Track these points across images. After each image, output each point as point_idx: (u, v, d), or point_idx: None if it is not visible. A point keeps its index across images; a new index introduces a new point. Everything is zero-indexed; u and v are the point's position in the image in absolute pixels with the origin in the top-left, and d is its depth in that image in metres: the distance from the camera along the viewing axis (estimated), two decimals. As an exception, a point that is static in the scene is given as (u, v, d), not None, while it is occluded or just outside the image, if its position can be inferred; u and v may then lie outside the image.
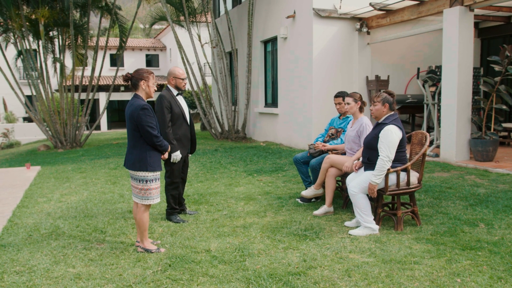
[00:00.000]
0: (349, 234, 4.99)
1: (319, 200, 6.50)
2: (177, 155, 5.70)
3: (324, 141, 6.71)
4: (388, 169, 4.93)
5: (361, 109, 6.00)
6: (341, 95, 6.46)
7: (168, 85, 5.89)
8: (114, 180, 8.78)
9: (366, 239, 4.78)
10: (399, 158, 5.08)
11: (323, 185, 6.23)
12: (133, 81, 4.60)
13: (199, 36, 16.96)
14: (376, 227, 5.03)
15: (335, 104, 6.52)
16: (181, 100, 5.89)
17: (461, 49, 8.79)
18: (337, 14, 11.49)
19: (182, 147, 5.82)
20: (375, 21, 11.32)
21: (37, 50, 17.22)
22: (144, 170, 4.54)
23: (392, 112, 5.13)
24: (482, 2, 8.53)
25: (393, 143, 4.90)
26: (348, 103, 5.96)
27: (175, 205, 5.92)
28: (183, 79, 5.82)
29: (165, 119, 5.62)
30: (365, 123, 5.85)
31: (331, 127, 6.79)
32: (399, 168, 5.00)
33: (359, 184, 5.07)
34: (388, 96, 5.12)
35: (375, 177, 4.93)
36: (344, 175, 6.02)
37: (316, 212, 5.84)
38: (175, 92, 5.84)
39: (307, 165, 6.66)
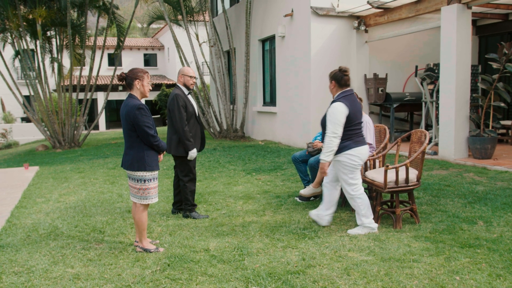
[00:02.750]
0: (348, 233, 4.99)
1: (318, 198, 6.50)
2: (194, 152, 5.81)
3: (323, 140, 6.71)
4: (387, 166, 4.94)
5: None
6: None
7: (178, 84, 5.95)
8: (113, 180, 8.78)
9: (365, 238, 4.78)
10: (351, 135, 4.92)
11: (321, 184, 6.22)
12: (127, 80, 4.57)
13: (197, 35, 16.94)
14: (375, 225, 5.02)
15: None
16: (191, 99, 5.95)
17: (459, 46, 8.79)
18: (334, 12, 11.49)
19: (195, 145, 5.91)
20: (373, 19, 11.32)
21: (35, 50, 17.19)
22: (142, 170, 4.53)
23: (344, 89, 5.03)
24: (480, -1, 8.54)
25: (338, 119, 4.81)
26: None
27: (193, 201, 5.98)
28: (191, 77, 5.89)
29: (182, 117, 5.71)
30: (365, 121, 5.84)
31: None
32: (398, 165, 5.01)
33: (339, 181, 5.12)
34: (337, 72, 5.06)
35: (323, 154, 4.83)
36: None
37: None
38: (186, 91, 5.90)
39: (306, 164, 6.67)
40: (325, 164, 4.92)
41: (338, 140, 4.84)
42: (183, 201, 5.98)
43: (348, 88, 5.07)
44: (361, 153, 4.96)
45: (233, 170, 9.27)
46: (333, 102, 4.97)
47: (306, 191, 6.28)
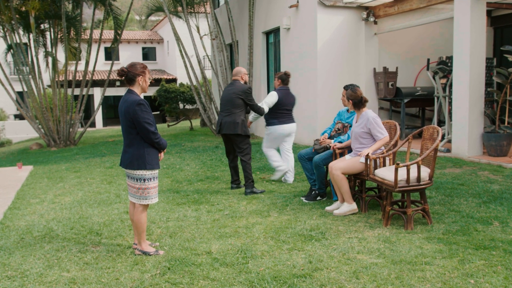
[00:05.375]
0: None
1: (325, 198, 6.50)
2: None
3: (330, 136, 6.74)
4: (398, 164, 4.93)
5: (358, 105, 5.94)
6: (346, 88, 6.49)
7: (240, 81, 7.36)
8: (110, 179, 8.79)
9: (374, 239, 4.77)
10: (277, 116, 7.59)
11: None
12: (129, 76, 4.56)
13: (197, 28, 16.94)
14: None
15: (342, 95, 6.56)
16: None
17: (473, 38, 8.75)
18: (342, 3, 11.46)
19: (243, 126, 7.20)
20: (382, 10, 11.29)
21: (28, 44, 17.24)
22: (142, 169, 4.53)
23: (282, 85, 7.71)
24: (495, -12, 8.51)
25: (269, 101, 7.51)
26: (343, 95, 6.32)
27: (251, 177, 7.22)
28: (247, 74, 7.72)
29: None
30: (371, 117, 5.81)
31: (338, 121, 6.80)
32: (409, 163, 5.00)
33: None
34: (283, 74, 7.72)
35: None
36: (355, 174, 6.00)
37: (337, 212, 5.74)
38: None
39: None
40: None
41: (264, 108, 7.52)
42: (246, 179, 7.13)
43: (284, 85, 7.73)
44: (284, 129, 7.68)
45: (236, 169, 9.26)
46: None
47: (341, 210, 6.03)
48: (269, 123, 7.71)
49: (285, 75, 7.73)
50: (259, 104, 7.43)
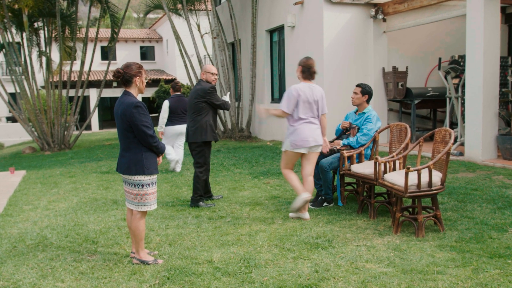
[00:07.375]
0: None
1: (332, 204, 6.50)
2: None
3: (339, 137, 6.87)
4: (408, 168, 4.93)
5: (307, 75, 6.46)
6: (360, 86, 6.56)
7: (202, 79, 7.06)
8: (107, 185, 8.80)
9: (384, 247, 4.76)
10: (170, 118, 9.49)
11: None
12: (126, 77, 4.57)
13: (198, 26, 16.97)
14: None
15: (353, 92, 6.66)
16: None
17: (487, 36, 8.74)
18: (349, -1, 11.48)
19: (213, 132, 6.99)
20: (391, 7, 11.29)
21: (21, 43, 17.30)
22: (140, 174, 4.53)
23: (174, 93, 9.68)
24: (510, -16, 8.50)
25: (163, 111, 9.48)
26: (355, 93, 6.52)
27: (203, 191, 6.97)
28: (212, 74, 7.02)
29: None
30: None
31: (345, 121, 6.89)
32: (420, 168, 5.00)
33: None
34: (174, 84, 9.78)
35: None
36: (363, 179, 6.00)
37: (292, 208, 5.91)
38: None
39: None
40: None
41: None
42: (193, 191, 6.91)
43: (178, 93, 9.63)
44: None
45: (239, 173, 9.27)
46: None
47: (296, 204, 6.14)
48: (166, 124, 9.55)
49: (175, 84, 9.79)
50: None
